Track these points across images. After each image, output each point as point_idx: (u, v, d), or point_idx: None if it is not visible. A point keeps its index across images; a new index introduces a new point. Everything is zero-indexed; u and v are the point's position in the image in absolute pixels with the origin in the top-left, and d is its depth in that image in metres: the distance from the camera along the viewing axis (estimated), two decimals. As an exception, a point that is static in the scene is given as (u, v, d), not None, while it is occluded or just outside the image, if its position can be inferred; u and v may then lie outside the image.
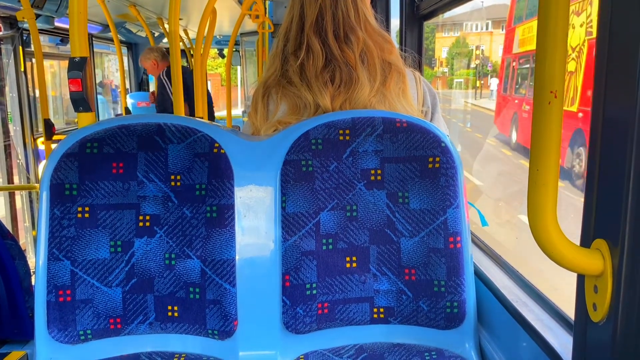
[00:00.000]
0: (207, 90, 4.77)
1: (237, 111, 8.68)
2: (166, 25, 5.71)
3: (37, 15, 3.77)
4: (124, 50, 7.02)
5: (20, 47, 4.46)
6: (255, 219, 1.28)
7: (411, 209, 1.27)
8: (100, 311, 1.24)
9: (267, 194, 1.28)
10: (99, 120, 1.47)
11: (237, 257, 1.26)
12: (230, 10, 5.62)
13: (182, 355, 1.26)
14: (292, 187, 1.27)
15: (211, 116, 5.35)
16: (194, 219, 1.27)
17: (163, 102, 5.06)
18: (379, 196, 1.28)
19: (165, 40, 7.09)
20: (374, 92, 1.36)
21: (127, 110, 6.04)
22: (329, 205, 1.28)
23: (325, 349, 1.28)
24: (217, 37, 8.50)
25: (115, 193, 1.26)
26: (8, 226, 4.40)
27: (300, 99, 1.36)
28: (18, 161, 4.66)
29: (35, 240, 1.88)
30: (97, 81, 7.30)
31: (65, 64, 4.87)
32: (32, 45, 3.76)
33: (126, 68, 6.93)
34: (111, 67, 8.88)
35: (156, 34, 6.83)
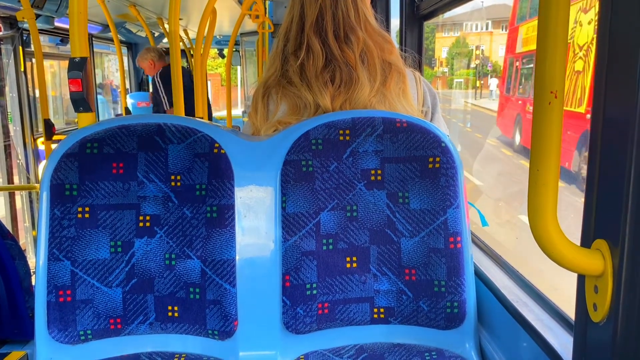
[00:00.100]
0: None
1: (237, 111, 8.68)
2: (166, 25, 5.71)
3: (37, 15, 3.77)
4: (124, 50, 7.02)
5: (20, 47, 4.46)
6: (255, 219, 1.28)
7: (411, 209, 1.27)
8: (100, 311, 1.24)
9: (267, 194, 1.28)
10: (99, 120, 1.47)
11: (237, 257, 1.26)
12: (230, 10, 5.62)
13: (183, 356, 1.26)
14: (292, 187, 1.27)
15: (209, 117, 5.34)
16: (194, 219, 1.27)
17: (156, 105, 5.05)
18: (379, 196, 1.28)
19: (165, 40, 7.09)
20: (374, 92, 1.36)
21: (127, 111, 6.04)
22: (329, 206, 1.28)
23: (326, 349, 1.28)
24: (217, 37, 8.50)
25: (116, 193, 1.26)
26: (8, 226, 4.40)
27: (301, 99, 1.36)
28: (18, 161, 4.66)
29: (35, 240, 1.88)
30: (97, 82, 7.30)
31: (65, 64, 4.87)
32: (32, 45, 3.76)
33: (126, 68, 6.93)
34: (111, 67, 8.89)
35: (156, 34, 6.83)
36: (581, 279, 0.75)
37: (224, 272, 1.25)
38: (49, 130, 3.65)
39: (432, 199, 1.26)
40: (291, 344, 1.27)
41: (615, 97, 0.67)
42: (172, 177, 1.27)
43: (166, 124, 1.28)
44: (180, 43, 4.36)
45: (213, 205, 1.26)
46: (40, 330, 1.22)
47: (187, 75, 4.29)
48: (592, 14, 6.42)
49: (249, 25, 6.21)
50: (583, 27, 6.48)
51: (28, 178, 4.64)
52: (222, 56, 10.56)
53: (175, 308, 1.26)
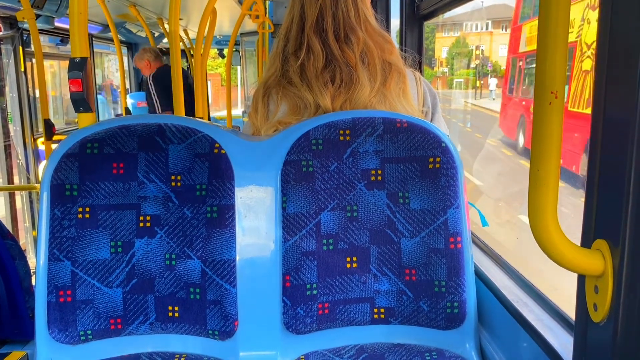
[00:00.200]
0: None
1: (237, 111, 8.68)
2: (166, 25, 5.71)
3: (37, 16, 3.77)
4: (124, 50, 7.02)
5: (20, 47, 4.46)
6: (255, 219, 1.28)
7: (411, 209, 1.27)
8: (100, 311, 1.24)
9: (267, 194, 1.28)
10: (99, 120, 1.47)
11: (237, 258, 1.26)
12: (230, 10, 5.62)
13: (183, 356, 1.26)
14: (292, 187, 1.27)
15: (207, 118, 5.35)
16: (194, 220, 1.27)
17: (150, 106, 5.05)
18: (379, 196, 1.28)
19: (165, 40, 7.09)
20: (374, 93, 1.36)
21: (127, 111, 6.04)
22: (329, 206, 1.28)
23: (326, 349, 1.28)
24: (217, 37, 8.50)
25: (116, 193, 1.26)
26: (8, 226, 4.40)
27: (301, 99, 1.36)
28: (18, 161, 4.66)
29: (36, 240, 1.88)
30: (96, 84, 7.30)
31: (65, 64, 4.87)
32: (32, 45, 3.76)
33: (126, 68, 6.93)
34: (111, 67, 8.89)
35: (156, 34, 6.83)
36: (581, 279, 0.75)
37: (224, 272, 1.25)
38: (49, 130, 3.65)
39: (432, 199, 1.26)
40: (291, 344, 1.27)
41: (615, 97, 0.67)
42: (173, 177, 1.27)
43: (166, 124, 1.28)
44: (180, 43, 4.36)
45: (213, 206, 1.26)
46: (41, 330, 1.22)
47: (183, 76, 4.29)
48: (602, 12, 6.31)
49: (249, 25, 6.21)
50: (591, 24, 6.32)
51: (28, 178, 4.64)
52: (222, 56, 10.56)
53: (176, 308, 1.26)
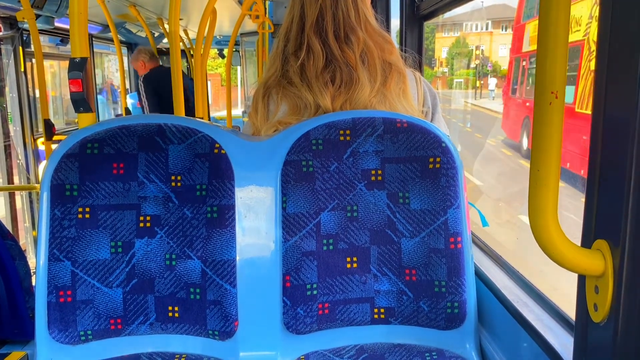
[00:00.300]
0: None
1: (237, 111, 8.68)
2: (166, 26, 5.71)
3: (37, 16, 3.77)
4: (124, 50, 7.02)
5: (20, 48, 4.46)
6: (255, 220, 1.28)
7: (412, 209, 1.27)
8: (100, 312, 1.24)
9: (267, 194, 1.28)
10: (99, 120, 1.47)
11: (237, 258, 1.26)
12: (230, 11, 5.62)
13: (183, 356, 1.26)
14: (292, 187, 1.27)
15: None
16: (194, 220, 1.27)
17: (142, 107, 5.03)
18: (379, 196, 1.28)
19: (165, 40, 7.09)
20: (374, 93, 1.36)
21: (127, 111, 6.04)
22: (329, 206, 1.28)
23: (326, 350, 1.28)
24: (217, 37, 8.50)
25: (116, 194, 1.26)
26: (8, 226, 4.40)
27: (301, 100, 1.36)
28: (18, 161, 4.66)
29: (36, 240, 1.88)
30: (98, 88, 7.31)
31: (65, 64, 4.87)
32: (32, 46, 3.76)
33: (126, 68, 6.93)
34: (111, 67, 8.89)
35: (156, 34, 6.83)
36: (582, 279, 0.75)
37: (224, 272, 1.25)
38: (49, 130, 3.65)
39: (432, 199, 1.26)
40: (291, 344, 1.27)
41: (615, 97, 0.67)
42: (173, 178, 1.27)
43: (167, 124, 1.28)
44: (180, 43, 4.36)
45: (213, 206, 1.26)
46: (41, 330, 1.22)
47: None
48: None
49: (249, 25, 6.21)
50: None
51: (28, 178, 4.64)
52: (222, 56, 10.56)
53: (176, 308, 1.26)
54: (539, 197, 0.69)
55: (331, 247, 1.27)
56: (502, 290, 1.27)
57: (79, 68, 1.61)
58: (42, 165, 4.23)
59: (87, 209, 1.24)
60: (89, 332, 1.24)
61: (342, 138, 1.27)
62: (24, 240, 4.78)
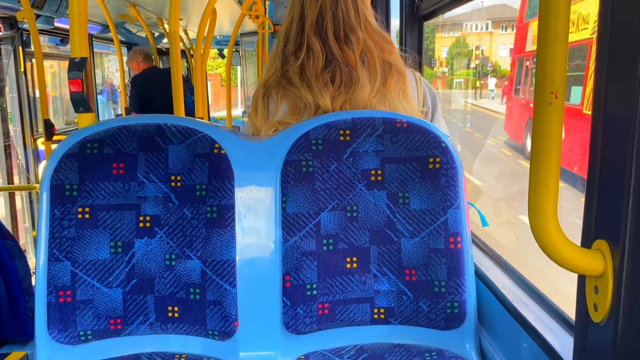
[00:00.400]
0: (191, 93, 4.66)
1: (237, 111, 8.68)
2: (166, 26, 5.71)
3: (37, 16, 3.77)
4: (124, 50, 7.02)
5: (20, 48, 4.46)
6: (255, 220, 1.28)
7: (411, 209, 1.27)
8: (100, 312, 1.24)
9: (267, 194, 1.28)
10: (99, 120, 1.47)
11: (237, 258, 1.26)
12: (230, 11, 5.62)
13: (183, 356, 1.25)
14: (292, 187, 1.27)
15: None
16: (194, 220, 1.27)
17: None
18: (379, 196, 1.28)
19: (165, 40, 7.09)
20: (374, 93, 1.36)
21: (127, 111, 6.03)
22: (329, 206, 1.28)
23: (326, 350, 1.28)
24: (217, 37, 8.50)
25: (116, 194, 1.26)
26: (8, 226, 4.40)
27: (301, 100, 1.36)
28: (18, 161, 4.67)
29: (36, 240, 1.88)
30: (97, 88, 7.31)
31: (65, 64, 4.87)
32: (32, 46, 3.76)
33: (126, 68, 6.93)
34: (111, 67, 8.89)
35: (156, 34, 6.83)
36: (582, 279, 0.75)
37: (224, 272, 1.25)
38: (49, 130, 3.65)
39: (432, 199, 1.26)
40: (291, 345, 1.27)
41: (615, 97, 0.67)
42: (172, 178, 1.27)
43: (166, 124, 1.28)
44: (180, 43, 4.36)
45: (213, 206, 1.26)
46: (41, 330, 1.22)
47: (168, 76, 4.25)
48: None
49: (249, 25, 6.21)
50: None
51: (28, 178, 4.64)
52: (222, 56, 10.56)
53: (176, 308, 1.26)
54: (539, 197, 0.69)
55: (331, 247, 1.27)
56: (502, 290, 1.27)
57: (79, 68, 1.61)
58: (42, 165, 4.23)
59: (87, 209, 1.24)
60: (89, 332, 1.24)
61: (342, 138, 1.27)
62: (24, 240, 4.78)
